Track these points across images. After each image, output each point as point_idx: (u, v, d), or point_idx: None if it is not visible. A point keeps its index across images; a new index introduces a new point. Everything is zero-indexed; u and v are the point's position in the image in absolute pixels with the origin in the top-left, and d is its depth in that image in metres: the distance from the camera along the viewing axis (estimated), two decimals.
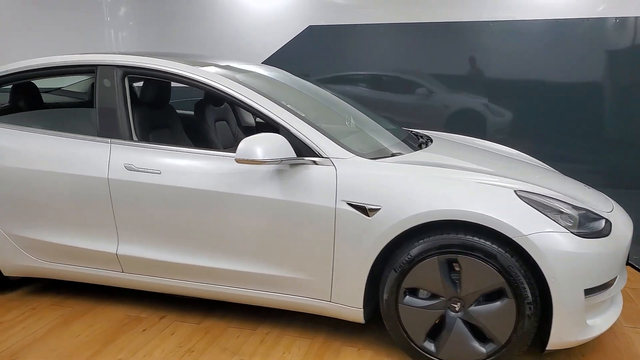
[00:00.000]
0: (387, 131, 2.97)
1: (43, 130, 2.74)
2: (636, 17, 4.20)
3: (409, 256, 2.17)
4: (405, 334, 2.26)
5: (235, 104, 2.57)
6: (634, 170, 4.41)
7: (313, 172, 2.28)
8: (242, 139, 2.25)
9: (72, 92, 3.83)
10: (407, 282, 2.21)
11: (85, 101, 3.59)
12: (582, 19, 4.37)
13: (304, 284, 2.36)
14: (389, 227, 2.16)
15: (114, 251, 2.60)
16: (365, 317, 2.34)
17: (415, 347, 2.26)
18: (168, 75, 2.61)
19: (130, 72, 2.68)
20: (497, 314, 2.12)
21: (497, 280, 2.08)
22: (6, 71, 2.88)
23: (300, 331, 2.59)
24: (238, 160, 2.22)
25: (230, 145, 3.23)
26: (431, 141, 2.94)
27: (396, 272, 2.20)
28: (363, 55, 5.54)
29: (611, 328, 2.23)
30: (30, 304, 2.90)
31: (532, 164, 3.01)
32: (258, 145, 2.21)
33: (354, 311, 2.33)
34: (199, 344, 2.47)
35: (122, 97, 2.65)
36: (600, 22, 4.34)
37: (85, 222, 2.63)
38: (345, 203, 2.22)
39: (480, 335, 2.18)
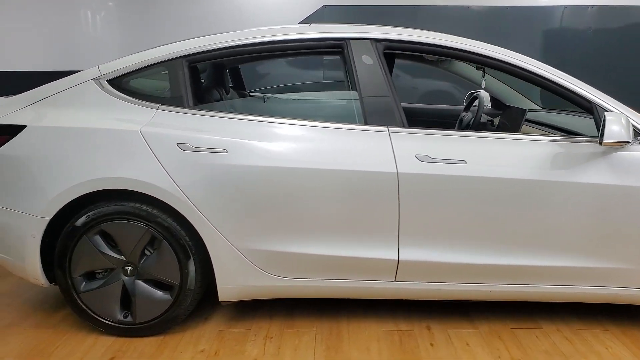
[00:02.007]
0: None
1: (283, 119, 2.23)
2: None
3: None
4: None
5: (538, 83, 2.29)
6: None
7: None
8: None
9: None
10: None
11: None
12: None
13: (624, 273, 2.23)
14: None
15: (394, 257, 2.22)
16: None
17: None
18: (447, 51, 2.27)
19: (393, 47, 2.29)
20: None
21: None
22: (208, 47, 2.30)
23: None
24: (606, 143, 2.01)
25: None
26: None
27: None
28: None
29: None
30: (258, 331, 2.36)
31: None
32: (621, 126, 2.01)
33: None
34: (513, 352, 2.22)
35: (388, 77, 2.25)
36: None
37: (357, 226, 2.20)
38: None
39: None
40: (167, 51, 2.33)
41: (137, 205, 2.20)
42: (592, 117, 2.24)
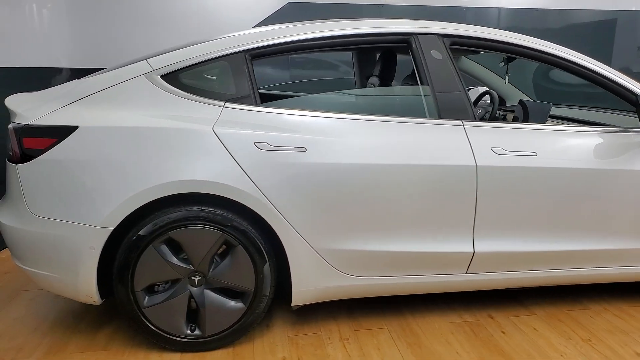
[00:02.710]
0: None
1: (359, 115, 2.18)
2: None
3: None
4: None
5: (590, 78, 2.40)
6: None
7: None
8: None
9: None
10: None
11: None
12: None
13: None
14: None
15: (470, 250, 2.25)
16: None
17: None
18: (506, 47, 2.33)
19: (459, 43, 2.31)
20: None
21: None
22: (272, 41, 2.19)
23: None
24: None
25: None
26: None
27: None
28: None
29: None
30: (330, 334, 2.28)
31: None
32: None
33: None
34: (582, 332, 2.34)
35: (458, 72, 2.27)
36: None
37: (434, 221, 2.20)
38: None
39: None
40: (226, 45, 2.18)
41: (211, 209, 2.05)
42: (633, 109, 2.42)
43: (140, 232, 2.01)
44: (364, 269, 2.22)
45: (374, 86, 2.89)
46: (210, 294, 2.13)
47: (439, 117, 2.22)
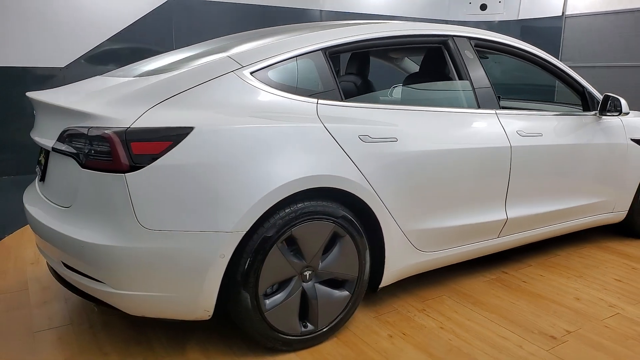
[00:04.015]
0: None
1: (431, 107, 2.47)
2: None
3: None
4: None
5: (557, 74, 3.06)
6: None
7: (614, 121, 3.18)
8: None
9: None
10: None
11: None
12: None
13: (602, 205, 3.23)
14: None
15: (504, 217, 2.70)
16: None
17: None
18: (514, 50, 2.86)
19: (480, 45, 2.73)
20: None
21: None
22: (348, 39, 2.32)
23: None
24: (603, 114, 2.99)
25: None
26: None
27: None
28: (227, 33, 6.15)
29: None
30: (407, 307, 2.48)
31: None
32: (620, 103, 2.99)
33: (622, 214, 3.41)
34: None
35: (484, 68, 2.69)
36: None
37: (480, 196, 2.59)
38: (630, 139, 3.24)
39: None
40: (308, 42, 2.24)
41: (325, 202, 2.09)
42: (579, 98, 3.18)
43: (266, 234, 1.95)
44: (434, 245, 2.50)
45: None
46: (321, 287, 2.17)
47: (479, 107, 2.62)
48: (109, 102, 1.92)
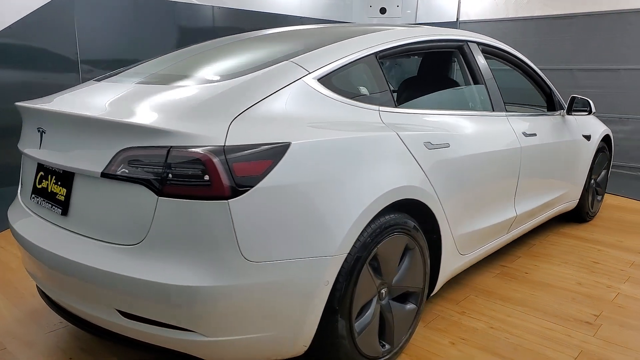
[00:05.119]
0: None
1: (464, 112, 2.52)
2: None
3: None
4: None
5: (531, 75, 3.29)
6: None
7: (572, 120, 3.54)
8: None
9: None
10: None
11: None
12: None
13: (567, 195, 3.58)
14: (597, 145, 3.79)
15: (514, 214, 2.84)
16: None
17: None
18: (507, 55, 3.02)
19: (486, 51, 2.83)
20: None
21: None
22: (395, 43, 2.24)
23: None
24: (574, 113, 3.36)
25: None
26: None
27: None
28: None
29: None
30: (458, 301, 2.48)
31: None
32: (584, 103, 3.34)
33: (575, 202, 3.81)
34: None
35: (492, 73, 2.79)
36: None
37: (501, 196, 2.69)
38: (581, 135, 3.64)
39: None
40: (363, 45, 2.13)
41: (400, 214, 2.00)
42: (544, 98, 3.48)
43: (358, 253, 1.81)
44: (469, 247, 2.54)
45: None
46: (394, 303, 2.08)
47: (493, 110, 2.72)
48: (180, 115, 1.61)
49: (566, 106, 3.42)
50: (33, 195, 1.94)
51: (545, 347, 2.23)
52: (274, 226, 1.59)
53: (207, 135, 1.53)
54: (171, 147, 1.52)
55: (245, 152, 1.55)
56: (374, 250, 1.87)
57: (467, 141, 2.38)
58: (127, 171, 1.56)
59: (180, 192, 1.52)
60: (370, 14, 8.70)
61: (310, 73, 1.89)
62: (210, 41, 2.66)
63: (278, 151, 1.60)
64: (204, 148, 1.51)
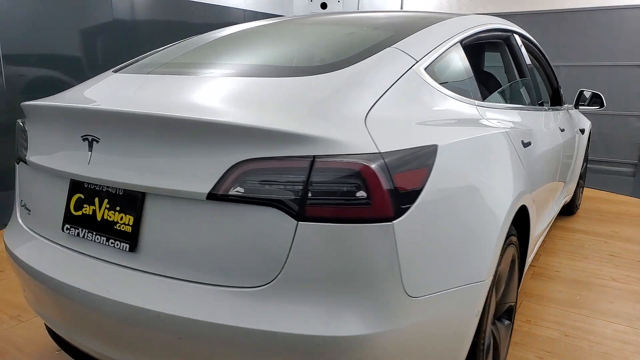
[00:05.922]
0: None
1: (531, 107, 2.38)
2: None
3: None
4: None
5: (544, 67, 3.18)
6: None
7: (572, 113, 3.53)
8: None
9: None
10: None
11: None
12: None
13: (568, 188, 3.58)
14: (587, 138, 3.83)
15: (554, 213, 2.73)
16: None
17: None
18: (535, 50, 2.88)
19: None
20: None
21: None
22: (474, 30, 2.00)
23: None
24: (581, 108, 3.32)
25: None
26: None
27: None
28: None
29: None
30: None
31: None
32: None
33: (570, 196, 3.83)
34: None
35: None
36: None
37: (552, 196, 2.57)
38: (578, 129, 3.66)
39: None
40: (450, 33, 1.85)
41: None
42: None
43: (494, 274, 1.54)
44: (531, 252, 2.38)
45: None
46: (499, 323, 1.84)
47: (537, 104, 2.58)
48: (303, 116, 1.24)
49: (574, 100, 3.41)
50: (67, 226, 1.44)
51: (632, 353, 2.12)
52: (432, 251, 1.27)
53: (353, 141, 1.18)
54: (315, 156, 1.15)
55: (403, 159, 1.21)
56: (498, 266, 1.62)
57: (540, 138, 2.21)
58: (248, 190, 1.16)
59: (328, 215, 1.15)
60: (310, 8, 8.43)
61: (418, 62, 1.59)
62: (228, 29, 2.24)
63: (429, 156, 1.29)
64: (359, 156, 1.15)
